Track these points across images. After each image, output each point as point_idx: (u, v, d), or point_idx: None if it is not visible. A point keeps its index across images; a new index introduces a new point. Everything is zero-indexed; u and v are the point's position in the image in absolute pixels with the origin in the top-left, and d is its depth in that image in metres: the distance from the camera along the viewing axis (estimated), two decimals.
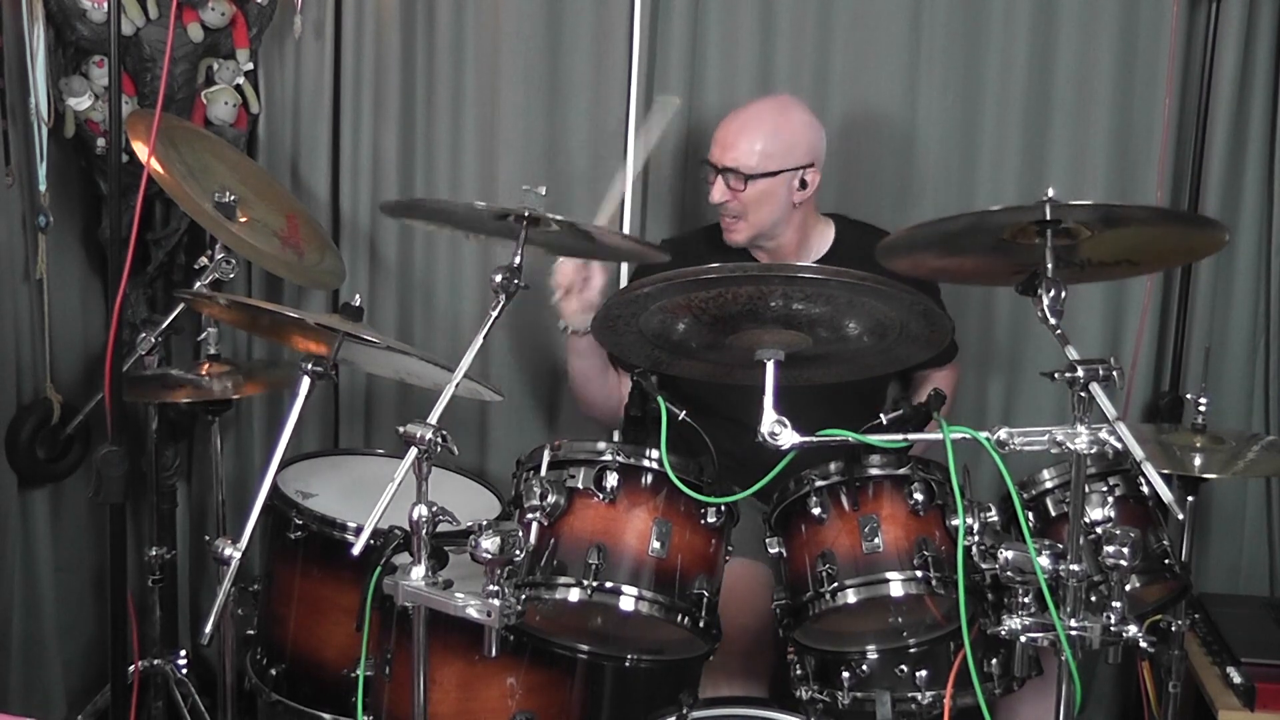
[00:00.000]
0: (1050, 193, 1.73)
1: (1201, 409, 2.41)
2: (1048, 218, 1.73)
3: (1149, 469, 1.62)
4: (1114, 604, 1.67)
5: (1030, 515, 1.97)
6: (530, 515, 1.81)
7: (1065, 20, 2.78)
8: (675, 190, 2.87)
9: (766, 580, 2.13)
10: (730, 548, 1.93)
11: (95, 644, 2.88)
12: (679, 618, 1.81)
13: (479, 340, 1.88)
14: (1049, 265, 1.76)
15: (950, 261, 1.97)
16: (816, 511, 1.89)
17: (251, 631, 2.32)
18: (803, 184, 2.49)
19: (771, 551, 1.96)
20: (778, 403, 1.70)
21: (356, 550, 1.78)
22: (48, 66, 2.53)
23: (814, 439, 1.71)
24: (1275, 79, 2.77)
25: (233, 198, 2.44)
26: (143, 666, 2.61)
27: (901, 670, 1.94)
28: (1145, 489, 1.98)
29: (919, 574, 1.83)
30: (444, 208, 2.18)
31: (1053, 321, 1.75)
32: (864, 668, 1.92)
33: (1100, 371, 1.66)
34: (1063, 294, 1.75)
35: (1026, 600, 1.70)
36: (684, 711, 1.91)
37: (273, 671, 2.25)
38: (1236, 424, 2.82)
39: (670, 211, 2.88)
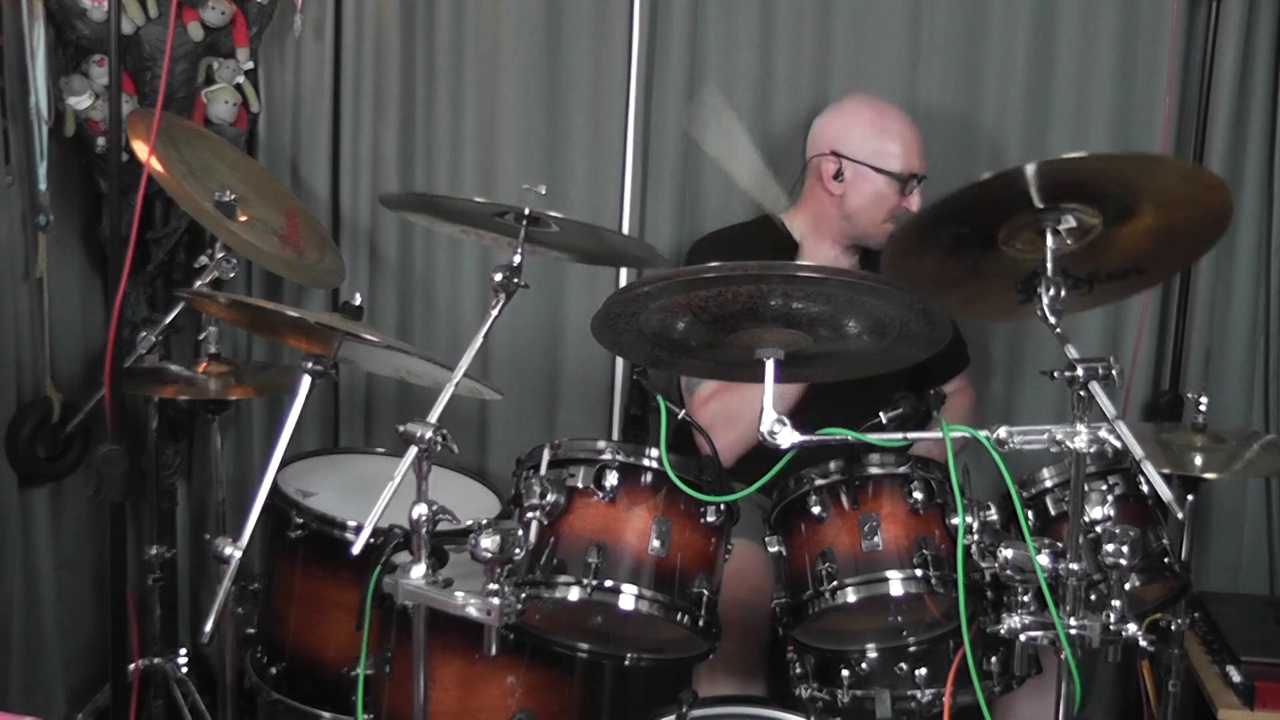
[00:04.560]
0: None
1: (1201, 408, 2.41)
2: (1032, 176, 1.64)
3: (1148, 468, 1.62)
4: (1113, 603, 1.67)
5: (1030, 514, 1.97)
6: (530, 514, 1.81)
7: (1065, 19, 2.79)
8: (675, 190, 2.87)
9: (764, 560, 2.12)
10: (730, 546, 1.93)
11: (95, 643, 2.87)
12: (679, 616, 1.81)
13: (479, 339, 1.89)
14: (1049, 264, 1.75)
15: (951, 264, 1.95)
16: (816, 510, 1.89)
17: (251, 630, 2.32)
18: None
19: (771, 550, 1.96)
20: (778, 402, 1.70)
21: (356, 549, 1.79)
22: (48, 65, 2.53)
23: (814, 438, 1.71)
24: (1275, 79, 2.77)
25: (233, 196, 2.43)
26: (143, 665, 2.61)
27: (901, 669, 1.94)
28: (1145, 488, 1.98)
29: (918, 573, 1.83)
30: (444, 203, 2.18)
31: (1052, 320, 1.74)
32: (864, 666, 1.93)
33: (1100, 370, 1.65)
34: (1063, 293, 1.75)
35: (1026, 599, 1.70)
36: (684, 711, 1.91)
37: (273, 670, 2.25)
38: (1237, 424, 2.82)
39: (671, 211, 2.88)
